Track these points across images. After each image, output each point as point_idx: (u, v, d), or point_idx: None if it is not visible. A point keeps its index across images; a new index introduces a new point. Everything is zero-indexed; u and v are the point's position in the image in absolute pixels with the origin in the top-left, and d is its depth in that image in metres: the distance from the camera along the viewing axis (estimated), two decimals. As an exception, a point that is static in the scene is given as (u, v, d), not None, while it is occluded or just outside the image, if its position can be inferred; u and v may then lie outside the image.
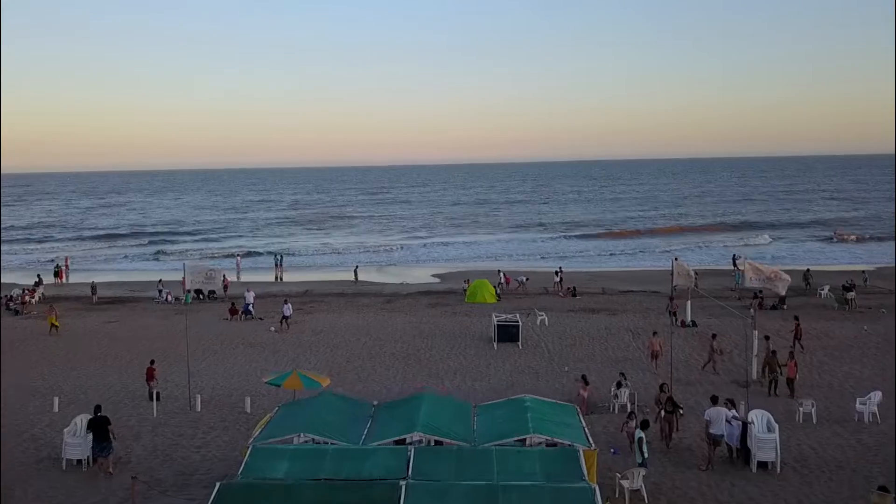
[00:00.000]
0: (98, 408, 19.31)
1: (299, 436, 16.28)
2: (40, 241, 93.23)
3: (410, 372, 28.53)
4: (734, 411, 18.55)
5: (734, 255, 57.23)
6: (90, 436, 18.38)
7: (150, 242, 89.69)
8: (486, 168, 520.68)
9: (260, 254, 74.66)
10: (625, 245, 79.27)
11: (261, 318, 39.05)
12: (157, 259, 75.29)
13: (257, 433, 16.70)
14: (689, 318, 36.13)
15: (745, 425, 18.04)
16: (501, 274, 50.21)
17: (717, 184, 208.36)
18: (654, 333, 28.74)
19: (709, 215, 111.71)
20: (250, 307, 39.51)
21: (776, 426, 18.28)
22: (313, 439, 16.15)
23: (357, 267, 57.63)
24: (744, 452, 18.31)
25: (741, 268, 50.14)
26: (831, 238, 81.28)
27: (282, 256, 64.89)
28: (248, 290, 41.14)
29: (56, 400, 24.08)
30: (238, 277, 60.99)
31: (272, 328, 36.23)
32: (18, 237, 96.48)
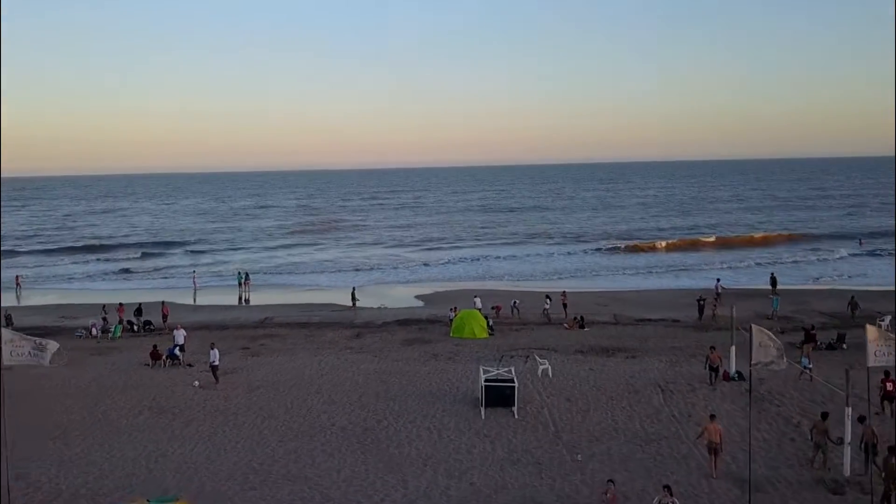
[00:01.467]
0: None
1: None
2: (11, 255, 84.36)
3: (361, 462, 20.49)
4: None
5: (772, 276, 49.10)
6: None
7: (144, 255, 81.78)
8: (493, 171, 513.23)
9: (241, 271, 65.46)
10: (639, 260, 70.51)
11: (189, 365, 31.02)
12: (123, 277, 67.11)
13: None
14: (732, 369, 28.13)
15: None
16: (477, 300, 42.22)
17: (732, 188, 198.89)
18: (713, 417, 20.35)
19: (750, 223, 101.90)
20: (176, 350, 31.46)
21: None
22: None
23: (355, 289, 48.90)
24: None
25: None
26: (858, 247, 73.36)
27: (247, 274, 56.76)
28: (177, 328, 33.09)
29: None
30: (195, 300, 53.28)
31: (196, 382, 28.18)
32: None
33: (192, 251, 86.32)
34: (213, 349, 28.26)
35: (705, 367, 27.59)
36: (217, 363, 27.97)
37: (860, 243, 75.68)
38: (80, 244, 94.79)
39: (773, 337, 15.10)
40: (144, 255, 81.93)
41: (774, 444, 21.15)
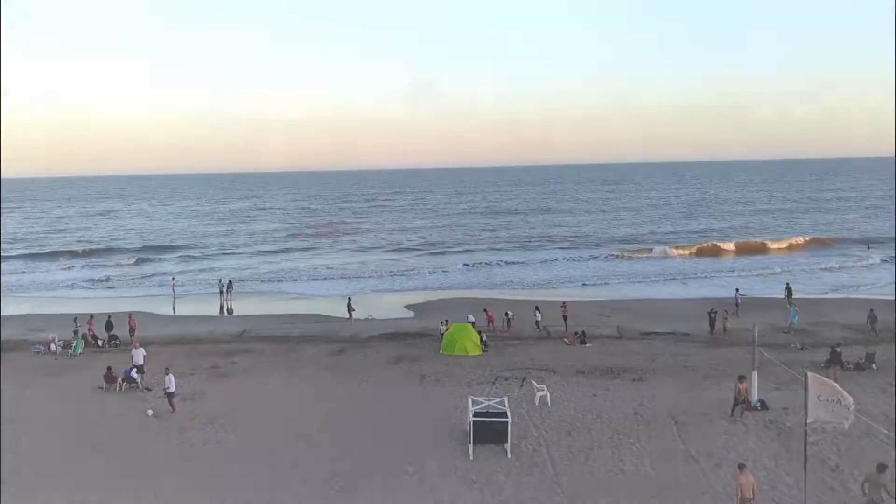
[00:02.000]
0: None
1: None
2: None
3: (323, 519, 17.35)
4: None
5: (787, 285, 45.78)
6: None
7: (139, 261, 78.70)
8: (496, 171, 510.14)
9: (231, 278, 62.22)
10: (644, 266, 67.03)
11: (147, 389, 27.87)
12: (105, 285, 63.95)
13: None
14: (755, 397, 24.88)
15: None
16: (470, 316, 39.10)
17: (737, 189, 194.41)
18: (742, 466, 17.05)
19: (760, 226, 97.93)
20: (133, 373, 28.31)
21: None
22: None
23: (351, 300, 45.37)
24: None
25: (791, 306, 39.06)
26: (867, 250, 70.19)
27: (230, 282, 53.58)
28: (135, 347, 29.86)
29: None
30: (174, 309, 50.08)
31: (150, 411, 25.01)
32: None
33: (184, 256, 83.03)
34: (167, 374, 25.02)
35: (734, 401, 24.13)
36: (173, 390, 24.77)
37: (867, 248, 72.90)
38: (68, 248, 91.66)
39: (840, 389, 11.87)
40: (140, 261, 78.74)
41: (813, 496, 17.90)
